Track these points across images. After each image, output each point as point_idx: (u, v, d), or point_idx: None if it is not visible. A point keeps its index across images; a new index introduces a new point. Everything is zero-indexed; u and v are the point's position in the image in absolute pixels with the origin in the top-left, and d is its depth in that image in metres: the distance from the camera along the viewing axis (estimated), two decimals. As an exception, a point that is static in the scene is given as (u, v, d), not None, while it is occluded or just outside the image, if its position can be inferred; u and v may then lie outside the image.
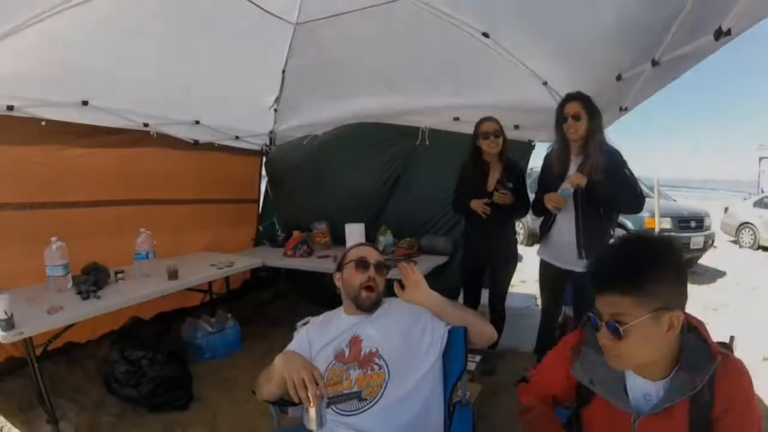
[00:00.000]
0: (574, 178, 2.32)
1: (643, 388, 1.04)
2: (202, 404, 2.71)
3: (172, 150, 3.56)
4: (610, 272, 0.97)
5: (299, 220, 4.07)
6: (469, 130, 3.05)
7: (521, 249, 3.20)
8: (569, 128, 2.35)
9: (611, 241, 1.01)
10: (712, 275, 6.96)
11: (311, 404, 1.24)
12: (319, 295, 3.83)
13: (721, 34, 1.50)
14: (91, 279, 2.58)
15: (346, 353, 1.50)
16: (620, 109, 2.59)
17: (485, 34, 2.61)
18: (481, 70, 2.96)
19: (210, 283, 3.48)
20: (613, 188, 2.30)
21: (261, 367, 3.10)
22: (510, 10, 2.47)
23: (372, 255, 1.64)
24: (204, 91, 3.36)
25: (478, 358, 2.93)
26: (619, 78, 2.40)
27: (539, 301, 3.11)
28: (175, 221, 3.64)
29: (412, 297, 1.54)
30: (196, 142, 3.73)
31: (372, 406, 1.39)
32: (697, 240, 6.75)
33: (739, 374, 0.98)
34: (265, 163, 4.45)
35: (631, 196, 2.36)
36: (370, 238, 3.53)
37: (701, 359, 0.97)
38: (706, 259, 7.61)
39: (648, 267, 0.93)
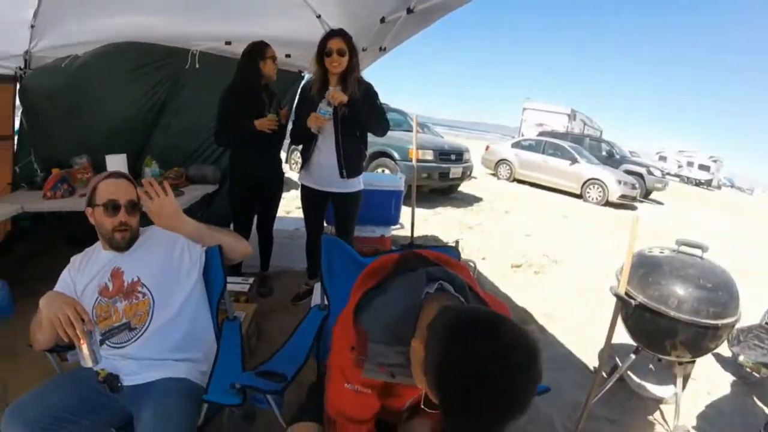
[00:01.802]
0: (333, 93, 2.52)
1: None
2: (-10, 382, 2.34)
3: None
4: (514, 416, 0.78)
5: (59, 156, 3.60)
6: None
7: (296, 175, 3.42)
8: (333, 62, 2.55)
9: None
10: (470, 200, 8.20)
11: (81, 341, 1.26)
12: (89, 237, 3.61)
13: None
14: None
15: (110, 287, 1.54)
16: (380, 49, 2.90)
17: None
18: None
19: (-32, 241, 2.94)
20: (368, 111, 2.62)
21: (37, 325, 2.80)
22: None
23: (122, 193, 1.57)
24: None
25: (251, 279, 3.09)
26: (382, 20, 2.66)
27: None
28: None
29: (169, 224, 1.58)
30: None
31: (143, 333, 1.49)
32: (456, 170, 7.79)
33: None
34: (19, 90, 3.74)
35: (382, 119, 2.72)
36: (135, 170, 3.36)
37: None
38: (465, 187, 8.87)
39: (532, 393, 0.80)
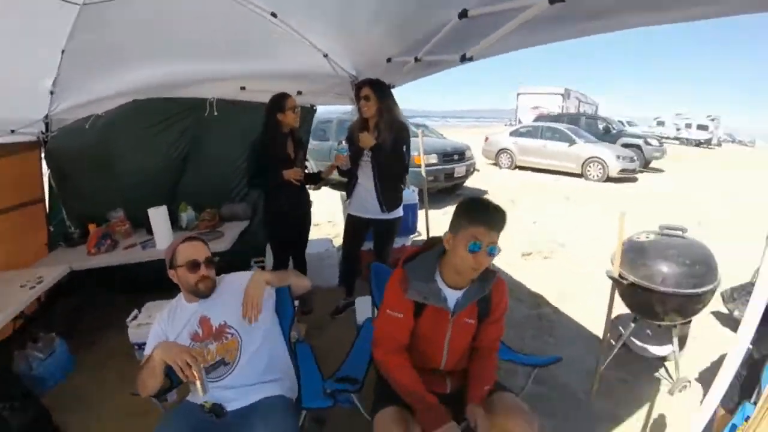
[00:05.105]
0: (362, 138, 2.92)
1: (452, 296, 1.65)
2: (74, 434, 2.48)
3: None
4: (500, 221, 1.59)
5: (91, 211, 3.74)
6: (256, 98, 3.31)
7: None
8: (362, 107, 2.93)
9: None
10: (475, 195, 8.22)
11: (197, 378, 1.52)
12: (131, 284, 3.78)
13: (464, 59, 2.10)
14: None
15: (200, 333, 1.81)
16: (389, 86, 3.10)
17: (273, 14, 2.69)
18: (269, 45, 3.03)
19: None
20: (392, 160, 2.98)
21: (103, 374, 3.25)
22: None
23: (200, 253, 1.85)
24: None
25: (296, 303, 3.31)
26: (389, 60, 2.86)
27: (334, 242, 3.87)
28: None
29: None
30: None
31: (236, 365, 1.78)
32: (459, 169, 8.11)
33: (504, 289, 1.75)
34: (46, 154, 3.85)
35: (400, 168, 3.10)
36: (172, 217, 3.50)
37: (485, 278, 1.66)
38: (470, 182, 9.09)
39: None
